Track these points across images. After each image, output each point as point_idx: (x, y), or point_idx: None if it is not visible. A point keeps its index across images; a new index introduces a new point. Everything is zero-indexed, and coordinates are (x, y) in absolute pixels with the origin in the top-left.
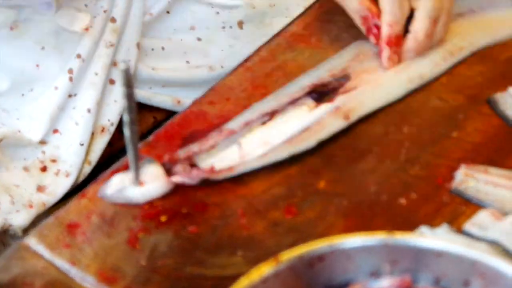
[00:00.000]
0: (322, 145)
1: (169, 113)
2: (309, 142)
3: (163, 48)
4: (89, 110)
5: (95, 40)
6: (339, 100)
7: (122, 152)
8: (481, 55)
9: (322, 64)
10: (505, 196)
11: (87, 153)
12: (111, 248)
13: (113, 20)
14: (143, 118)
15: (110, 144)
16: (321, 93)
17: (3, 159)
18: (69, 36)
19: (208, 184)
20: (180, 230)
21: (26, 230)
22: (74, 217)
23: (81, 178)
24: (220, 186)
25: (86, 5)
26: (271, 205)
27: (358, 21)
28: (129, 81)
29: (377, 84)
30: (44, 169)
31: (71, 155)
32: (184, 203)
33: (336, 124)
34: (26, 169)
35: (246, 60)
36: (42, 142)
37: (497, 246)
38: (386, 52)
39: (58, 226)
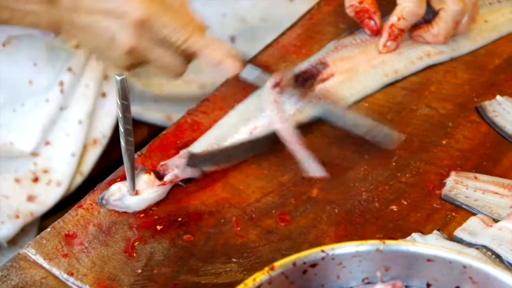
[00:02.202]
0: (315, 154)
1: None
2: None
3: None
4: (80, 122)
5: (87, 54)
6: (319, 89)
7: (117, 163)
8: (469, 64)
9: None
10: (494, 202)
11: (79, 164)
12: (108, 257)
13: None
14: (138, 129)
15: (105, 154)
16: (304, 79)
17: None
18: (61, 51)
19: (202, 192)
20: (175, 238)
21: (12, 241)
22: (72, 227)
23: (72, 188)
24: (215, 195)
25: None
26: (265, 213)
27: (351, 14)
28: (125, 93)
29: (354, 76)
30: (36, 180)
31: (62, 165)
32: (179, 212)
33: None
34: (17, 180)
35: None
36: (34, 154)
37: (487, 252)
38: (385, 38)
39: (55, 236)
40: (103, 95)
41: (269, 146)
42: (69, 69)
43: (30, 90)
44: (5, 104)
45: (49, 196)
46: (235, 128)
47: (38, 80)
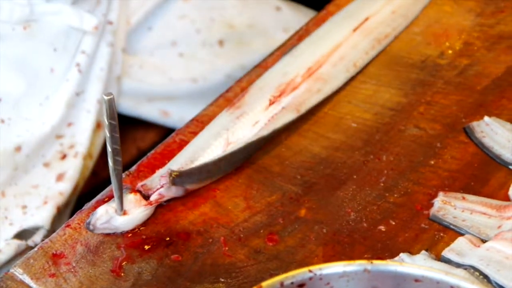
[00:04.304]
0: (302, 174)
1: (152, 143)
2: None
3: (142, 66)
4: (99, 101)
5: (97, 40)
6: (288, 99)
7: (106, 182)
8: (458, 85)
9: None
10: (481, 223)
11: (90, 144)
12: (96, 277)
13: (110, 23)
14: (126, 149)
15: (94, 173)
16: None
17: (22, 163)
18: (77, 36)
19: (190, 212)
20: (163, 258)
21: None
22: (59, 247)
23: (86, 172)
24: (203, 214)
25: (89, 11)
26: (253, 233)
27: None
28: (113, 112)
29: (318, 77)
30: (63, 157)
31: (85, 139)
32: (167, 232)
33: (289, 117)
34: (46, 164)
35: (227, 91)
36: (59, 136)
37: (475, 272)
38: None
39: (43, 255)
40: None
41: (246, 158)
42: (83, 52)
43: (51, 78)
44: (29, 94)
45: (77, 170)
46: (206, 144)
47: (58, 66)
